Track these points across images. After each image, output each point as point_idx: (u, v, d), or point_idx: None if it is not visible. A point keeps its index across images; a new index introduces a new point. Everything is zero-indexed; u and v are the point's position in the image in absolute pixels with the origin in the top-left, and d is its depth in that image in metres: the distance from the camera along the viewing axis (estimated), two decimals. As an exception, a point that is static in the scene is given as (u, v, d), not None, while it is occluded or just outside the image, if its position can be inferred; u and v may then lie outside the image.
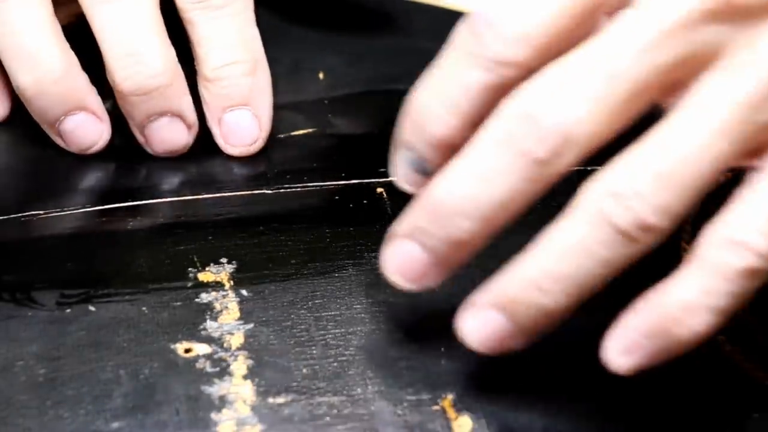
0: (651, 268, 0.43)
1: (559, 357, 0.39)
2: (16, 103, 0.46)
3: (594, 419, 0.37)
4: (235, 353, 0.38)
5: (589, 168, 0.47)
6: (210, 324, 0.39)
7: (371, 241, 0.43)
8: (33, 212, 0.43)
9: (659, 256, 0.43)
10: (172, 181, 0.45)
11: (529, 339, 0.32)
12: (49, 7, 0.43)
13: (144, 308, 0.39)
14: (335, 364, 0.38)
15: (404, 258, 0.33)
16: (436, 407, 0.37)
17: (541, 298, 0.31)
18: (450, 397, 0.38)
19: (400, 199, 0.45)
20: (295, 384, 0.37)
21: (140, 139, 0.44)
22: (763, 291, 0.42)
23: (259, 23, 0.53)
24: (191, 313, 0.39)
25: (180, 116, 0.43)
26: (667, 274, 0.43)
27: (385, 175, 0.46)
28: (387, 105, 0.49)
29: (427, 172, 0.33)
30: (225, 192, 0.44)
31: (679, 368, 0.39)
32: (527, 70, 0.30)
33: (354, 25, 0.54)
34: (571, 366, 0.39)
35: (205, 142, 0.46)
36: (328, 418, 0.37)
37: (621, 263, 0.30)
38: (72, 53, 0.44)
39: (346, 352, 0.38)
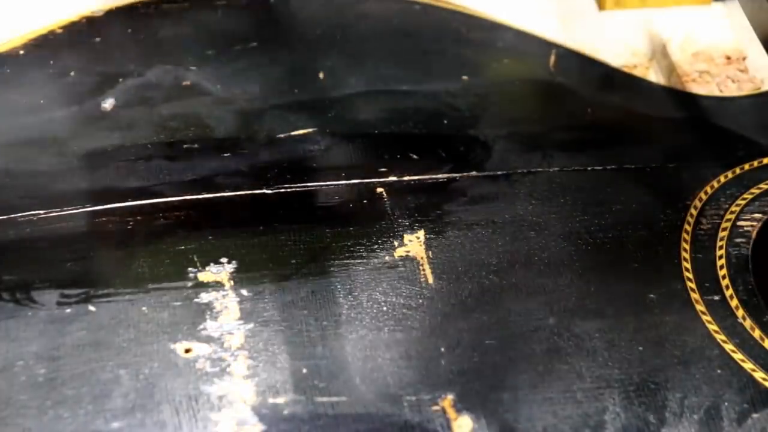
0: (650, 269, 0.43)
1: (558, 357, 0.39)
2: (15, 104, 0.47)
3: (593, 419, 0.37)
4: (235, 353, 0.38)
5: (588, 168, 0.47)
6: (210, 324, 0.39)
7: (371, 241, 0.43)
8: (33, 212, 0.43)
9: (658, 256, 0.43)
10: (172, 181, 0.45)
11: None
12: None
13: (144, 308, 0.39)
14: (335, 364, 0.38)
15: None
16: (436, 407, 0.37)
17: None
18: (450, 397, 0.38)
19: (400, 199, 0.45)
20: (295, 384, 0.37)
21: None
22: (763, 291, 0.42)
23: (260, 24, 0.53)
24: (191, 313, 0.39)
25: None
26: (665, 275, 0.43)
27: (385, 175, 0.46)
28: (387, 105, 0.50)
29: None
30: (225, 192, 0.44)
31: (678, 368, 0.39)
32: None
33: (354, 25, 0.54)
34: (571, 366, 0.39)
35: (205, 143, 0.46)
36: (328, 418, 0.37)
37: None
38: None
39: (346, 352, 0.38)
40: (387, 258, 0.42)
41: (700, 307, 0.41)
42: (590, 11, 0.60)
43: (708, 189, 0.46)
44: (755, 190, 0.46)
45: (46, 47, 0.50)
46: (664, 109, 0.51)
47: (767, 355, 0.40)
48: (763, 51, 0.55)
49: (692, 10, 0.60)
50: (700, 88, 0.55)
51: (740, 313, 0.41)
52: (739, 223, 0.45)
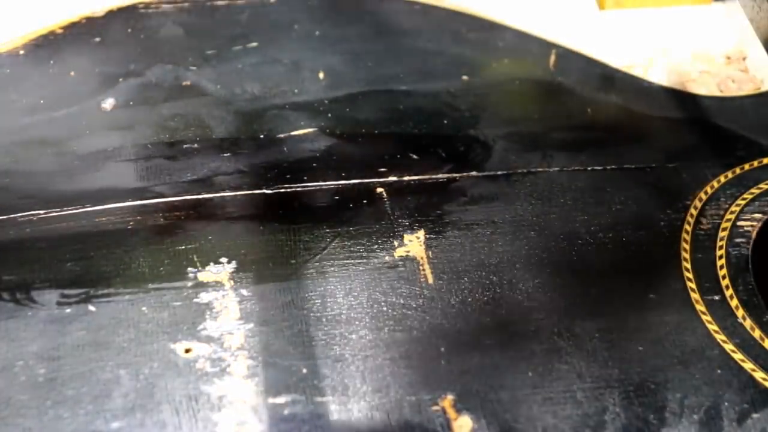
0: (650, 269, 0.43)
1: (558, 357, 0.39)
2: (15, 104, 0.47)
3: (593, 419, 0.37)
4: (235, 353, 0.38)
5: (589, 168, 0.47)
6: (210, 324, 0.39)
7: (371, 241, 0.43)
8: (33, 212, 0.43)
9: (658, 256, 0.43)
10: (172, 181, 0.45)
11: None
12: None
13: (144, 308, 0.39)
14: (335, 364, 0.38)
15: None
16: (436, 407, 0.37)
17: None
18: (450, 397, 0.38)
19: (400, 199, 0.45)
20: (295, 384, 0.37)
21: None
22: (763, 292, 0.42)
23: (261, 24, 0.53)
24: (191, 313, 0.39)
25: None
26: (665, 275, 0.43)
27: (385, 175, 0.46)
28: (387, 105, 0.50)
29: None
30: (225, 192, 0.44)
31: (678, 368, 0.39)
32: None
33: (354, 25, 0.54)
34: (571, 366, 0.39)
35: (205, 143, 0.46)
36: (328, 418, 0.37)
37: None
38: None
39: (346, 352, 0.38)
40: (387, 258, 0.42)
41: (700, 307, 0.41)
42: (590, 11, 0.60)
43: (708, 189, 0.46)
44: (755, 190, 0.46)
45: (46, 47, 0.50)
46: (664, 109, 0.51)
47: (767, 355, 0.40)
48: (763, 51, 0.55)
49: (692, 9, 0.60)
50: (700, 88, 0.55)
51: (740, 313, 0.41)
52: (739, 223, 0.45)
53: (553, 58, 0.53)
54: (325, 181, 0.45)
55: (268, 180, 0.45)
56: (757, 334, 0.40)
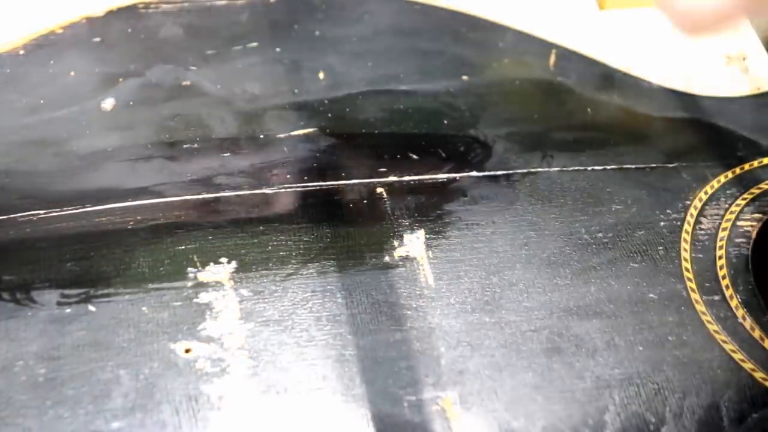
0: (650, 269, 0.43)
1: (558, 357, 0.39)
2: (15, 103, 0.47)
3: (593, 419, 0.37)
4: (235, 353, 0.38)
5: (589, 168, 0.47)
6: (210, 324, 0.39)
7: (371, 241, 0.43)
8: (33, 212, 0.43)
9: (658, 256, 0.43)
10: (172, 181, 0.45)
11: None
12: None
13: (144, 308, 0.39)
14: (335, 364, 0.38)
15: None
16: (436, 407, 0.37)
17: None
18: (450, 397, 0.38)
19: (400, 199, 0.45)
20: (295, 384, 0.37)
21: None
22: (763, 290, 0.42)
23: (261, 24, 0.53)
24: (191, 313, 0.39)
25: None
26: (665, 275, 0.43)
27: (385, 175, 0.46)
28: (387, 105, 0.50)
29: None
30: (225, 192, 0.44)
31: (678, 368, 0.39)
32: None
33: (354, 25, 0.54)
34: (570, 366, 0.39)
35: (205, 143, 0.46)
36: (328, 419, 0.37)
37: None
38: None
39: (346, 352, 0.38)
40: (387, 258, 0.42)
41: (700, 307, 0.41)
42: (590, 11, 0.60)
43: (708, 189, 0.46)
44: (755, 190, 0.46)
45: (46, 47, 0.50)
46: (664, 109, 0.51)
47: (767, 355, 0.40)
48: (763, 51, 0.55)
49: (692, 10, 0.60)
50: (700, 88, 0.55)
51: (740, 313, 0.41)
52: (739, 223, 0.45)
53: (553, 58, 0.53)
54: (325, 181, 0.45)
55: (268, 180, 0.45)
56: (757, 334, 0.40)
